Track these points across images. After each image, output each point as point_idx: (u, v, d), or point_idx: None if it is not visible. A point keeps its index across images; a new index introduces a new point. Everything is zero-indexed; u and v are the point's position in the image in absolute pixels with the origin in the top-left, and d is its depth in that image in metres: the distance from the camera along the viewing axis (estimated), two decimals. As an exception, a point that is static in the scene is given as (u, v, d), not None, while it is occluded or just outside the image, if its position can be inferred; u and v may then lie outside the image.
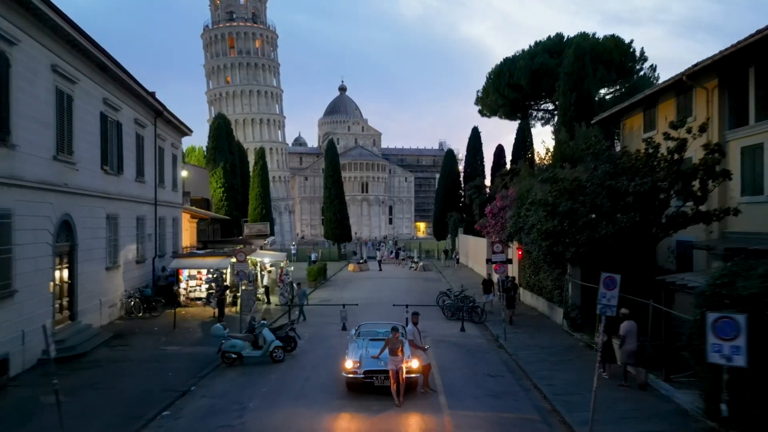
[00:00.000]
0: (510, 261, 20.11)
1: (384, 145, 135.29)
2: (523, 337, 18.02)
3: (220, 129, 49.86)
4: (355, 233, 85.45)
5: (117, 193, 20.23)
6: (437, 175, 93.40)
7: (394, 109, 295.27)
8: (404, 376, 11.60)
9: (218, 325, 15.78)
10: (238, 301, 21.10)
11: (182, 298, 23.36)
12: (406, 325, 14.51)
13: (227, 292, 22.40)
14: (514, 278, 22.57)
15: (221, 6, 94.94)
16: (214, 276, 23.35)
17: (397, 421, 10.64)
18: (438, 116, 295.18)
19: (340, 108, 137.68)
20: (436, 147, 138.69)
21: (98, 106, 18.50)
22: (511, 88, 38.22)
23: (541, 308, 22.35)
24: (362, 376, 12.04)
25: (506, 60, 39.07)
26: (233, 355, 14.68)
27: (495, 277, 23.22)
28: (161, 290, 23.74)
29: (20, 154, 13.23)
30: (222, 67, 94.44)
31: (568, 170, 16.90)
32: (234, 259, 23.65)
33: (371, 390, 11.99)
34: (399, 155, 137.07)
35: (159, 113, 25.28)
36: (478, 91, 43.55)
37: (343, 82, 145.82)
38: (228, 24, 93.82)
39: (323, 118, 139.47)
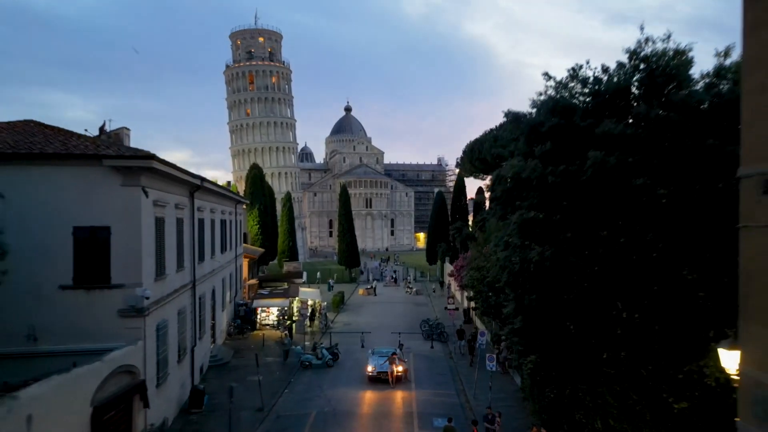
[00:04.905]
0: (457, 309, 33.36)
1: (387, 160, 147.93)
2: (466, 352, 31.20)
3: (256, 178, 63.75)
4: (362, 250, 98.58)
5: (225, 263, 33.51)
6: (435, 189, 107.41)
7: (396, 109, 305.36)
8: (395, 374, 24.98)
9: (298, 347, 29.24)
10: (294, 325, 34.52)
11: (258, 325, 36.69)
12: (397, 345, 27.90)
13: (293, 325, 35.86)
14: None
15: (242, 46, 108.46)
16: (282, 311, 36.75)
17: (392, 393, 24.07)
18: (440, 115, 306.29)
19: (346, 128, 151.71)
20: (435, 162, 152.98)
21: (219, 216, 31.74)
22: (480, 161, 51.39)
23: (484, 331, 35.61)
24: (376, 374, 25.39)
25: (476, 140, 52.30)
26: (307, 363, 27.92)
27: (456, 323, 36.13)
28: (242, 319, 37.03)
29: (205, 263, 26.53)
30: (242, 101, 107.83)
31: (493, 256, 30.07)
32: (290, 299, 37.12)
33: (379, 380, 25.30)
34: (400, 170, 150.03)
35: (238, 201, 38.59)
36: (457, 159, 57.16)
37: (348, 102, 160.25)
38: (248, 63, 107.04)
39: (330, 136, 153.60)
